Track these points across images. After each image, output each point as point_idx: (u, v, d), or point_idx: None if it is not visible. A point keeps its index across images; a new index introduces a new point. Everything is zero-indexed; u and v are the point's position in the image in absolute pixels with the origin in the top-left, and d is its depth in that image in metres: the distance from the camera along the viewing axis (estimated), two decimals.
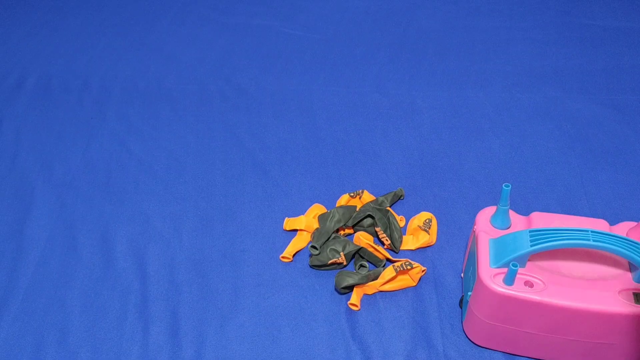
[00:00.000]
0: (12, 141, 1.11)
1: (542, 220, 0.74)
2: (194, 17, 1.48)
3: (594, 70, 1.27)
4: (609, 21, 1.44)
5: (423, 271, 0.85)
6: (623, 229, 0.73)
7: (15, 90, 1.24)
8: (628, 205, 0.96)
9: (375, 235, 0.91)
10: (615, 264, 0.70)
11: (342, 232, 0.91)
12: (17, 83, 1.26)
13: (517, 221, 0.75)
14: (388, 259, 0.87)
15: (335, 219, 0.89)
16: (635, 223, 0.73)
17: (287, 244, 0.90)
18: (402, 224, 0.92)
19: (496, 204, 0.77)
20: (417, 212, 0.95)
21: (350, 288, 0.82)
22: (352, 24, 1.44)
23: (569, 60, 1.31)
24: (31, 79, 1.27)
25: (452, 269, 0.86)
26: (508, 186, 0.71)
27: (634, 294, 0.67)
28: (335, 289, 0.83)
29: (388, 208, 0.93)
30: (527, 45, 1.36)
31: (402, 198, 0.98)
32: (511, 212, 0.76)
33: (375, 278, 0.83)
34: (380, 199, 0.95)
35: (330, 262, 0.85)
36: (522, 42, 1.37)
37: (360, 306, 0.82)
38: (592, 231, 0.65)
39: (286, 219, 0.93)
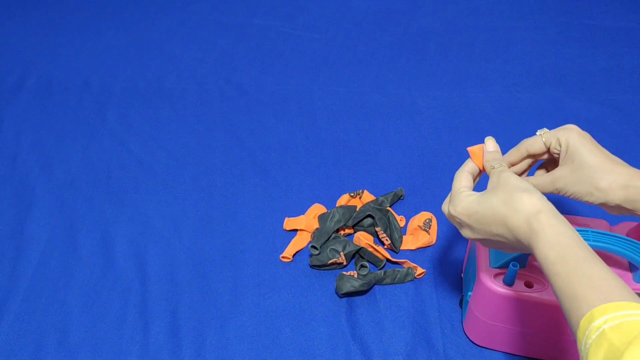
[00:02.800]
0: (13, 141, 1.11)
1: None
2: (194, 17, 1.48)
3: (594, 70, 1.27)
4: (609, 21, 1.44)
5: (422, 273, 0.85)
6: (623, 229, 0.73)
7: (16, 90, 1.24)
8: None
9: (375, 235, 0.91)
10: (615, 264, 0.70)
11: (342, 232, 0.91)
12: (17, 83, 1.26)
13: None
14: (388, 259, 0.87)
15: (335, 219, 0.89)
16: (635, 223, 0.73)
17: (287, 244, 0.90)
18: (402, 224, 0.92)
19: None
20: (417, 212, 0.95)
21: (351, 294, 0.82)
22: (352, 24, 1.44)
23: (569, 60, 1.31)
24: (31, 79, 1.27)
25: (452, 269, 0.86)
26: None
27: None
28: (336, 292, 0.83)
29: (388, 208, 0.93)
30: (527, 45, 1.36)
31: (402, 198, 0.98)
32: None
33: (377, 282, 0.83)
34: (380, 199, 0.95)
35: (330, 262, 0.85)
36: (522, 42, 1.37)
37: (360, 308, 0.82)
38: (592, 231, 0.65)
39: (286, 219, 0.93)
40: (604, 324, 0.41)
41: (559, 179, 0.61)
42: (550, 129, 1.16)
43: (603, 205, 0.60)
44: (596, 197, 0.59)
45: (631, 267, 0.69)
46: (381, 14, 1.48)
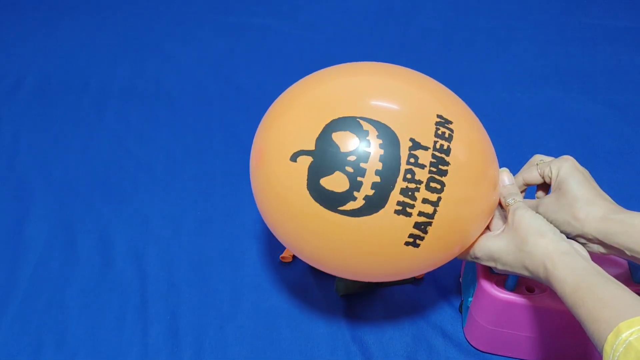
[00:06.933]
0: (11, 142, 1.11)
1: None
2: (193, 17, 1.47)
3: (595, 69, 1.27)
4: (610, 20, 1.44)
5: (422, 274, 0.84)
6: None
7: (14, 90, 1.24)
8: (629, 205, 0.95)
9: None
10: (614, 264, 0.70)
11: None
12: (15, 83, 1.26)
13: None
14: None
15: None
16: None
17: None
18: None
19: None
20: None
21: (351, 295, 0.82)
22: (352, 23, 1.44)
23: (569, 59, 1.30)
24: (29, 79, 1.27)
25: (452, 270, 0.86)
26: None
27: None
28: (336, 293, 0.82)
29: None
30: (528, 45, 1.35)
31: None
32: None
33: (377, 283, 0.83)
34: None
35: None
36: (522, 41, 1.37)
37: (360, 308, 0.81)
38: None
39: None
40: (630, 336, 0.44)
41: (542, 204, 0.63)
42: (550, 128, 1.15)
43: (581, 237, 0.60)
44: (573, 227, 0.60)
45: (631, 268, 0.69)
46: (381, 14, 1.47)
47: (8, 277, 0.86)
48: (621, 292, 0.48)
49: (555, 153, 1.11)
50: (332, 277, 0.85)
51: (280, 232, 0.53)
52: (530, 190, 0.71)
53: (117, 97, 1.21)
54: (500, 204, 0.64)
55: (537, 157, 0.68)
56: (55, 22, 1.46)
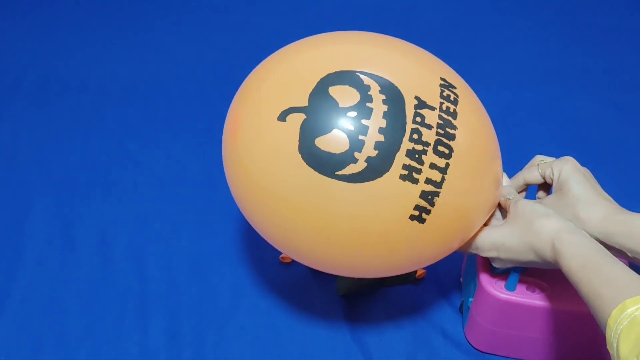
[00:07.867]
0: (10, 141, 1.10)
1: None
2: (193, 16, 1.47)
3: (596, 69, 1.27)
4: (611, 20, 1.43)
5: (423, 274, 0.84)
6: None
7: (13, 89, 1.24)
8: (630, 205, 0.94)
9: None
10: None
11: None
12: (14, 82, 1.25)
13: None
14: None
15: None
16: None
17: None
18: None
19: None
20: None
21: (351, 295, 0.82)
22: (352, 23, 1.44)
23: (570, 58, 1.30)
24: (29, 78, 1.26)
25: (453, 270, 0.86)
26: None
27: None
28: (336, 293, 0.82)
29: None
30: (529, 44, 1.35)
31: None
32: None
33: (377, 283, 0.83)
34: None
35: None
36: (523, 40, 1.37)
37: (360, 308, 0.81)
38: None
39: None
40: (636, 311, 0.44)
41: (543, 204, 0.63)
42: (551, 128, 1.15)
43: None
44: None
45: (632, 268, 0.69)
46: (381, 13, 1.47)
47: (7, 277, 0.86)
48: (627, 272, 0.49)
49: (556, 153, 1.10)
50: (332, 277, 0.85)
51: (263, 220, 0.45)
52: (531, 191, 0.71)
53: (117, 96, 1.21)
54: (499, 205, 0.64)
55: (538, 158, 0.68)
56: (55, 21, 1.46)
